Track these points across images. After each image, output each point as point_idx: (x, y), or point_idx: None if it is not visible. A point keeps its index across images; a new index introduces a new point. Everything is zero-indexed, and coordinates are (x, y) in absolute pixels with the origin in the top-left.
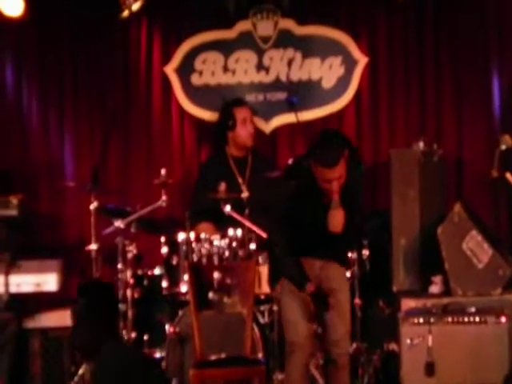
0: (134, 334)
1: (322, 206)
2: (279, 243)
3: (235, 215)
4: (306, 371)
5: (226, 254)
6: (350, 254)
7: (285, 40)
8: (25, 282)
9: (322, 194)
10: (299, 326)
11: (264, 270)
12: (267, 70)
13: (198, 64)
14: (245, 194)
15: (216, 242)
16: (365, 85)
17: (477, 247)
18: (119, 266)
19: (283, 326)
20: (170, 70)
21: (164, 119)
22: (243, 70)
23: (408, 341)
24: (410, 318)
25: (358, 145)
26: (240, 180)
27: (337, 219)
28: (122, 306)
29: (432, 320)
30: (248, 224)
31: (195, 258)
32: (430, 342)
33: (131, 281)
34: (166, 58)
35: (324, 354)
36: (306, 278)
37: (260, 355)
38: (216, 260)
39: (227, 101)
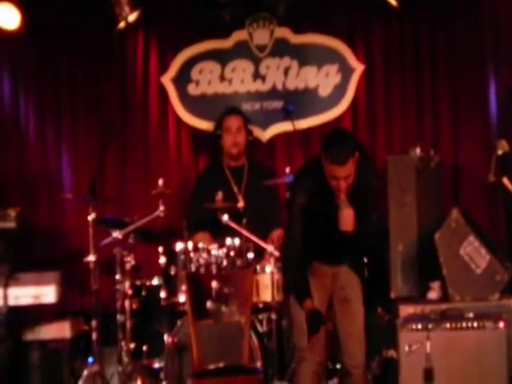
0: (132, 345)
1: (335, 206)
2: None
3: (233, 224)
4: (317, 380)
5: (224, 263)
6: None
7: (281, 49)
8: (23, 294)
9: (335, 194)
10: None
11: (262, 279)
12: (264, 78)
13: (194, 74)
14: (240, 204)
15: (214, 252)
16: (361, 92)
17: (474, 253)
18: (117, 276)
19: (293, 331)
20: (167, 80)
21: (161, 129)
22: (240, 79)
23: (406, 347)
24: (408, 325)
25: None
26: (236, 189)
27: (346, 218)
28: (120, 317)
29: (430, 326)
30: (245, 233)
31: (193, 267)
32: (428, 348)
33: (129, 291)
34: (163, 68)
35: (336, 364)
36: (307, 292)
37: (258, 364)
38: (214, 269)
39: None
